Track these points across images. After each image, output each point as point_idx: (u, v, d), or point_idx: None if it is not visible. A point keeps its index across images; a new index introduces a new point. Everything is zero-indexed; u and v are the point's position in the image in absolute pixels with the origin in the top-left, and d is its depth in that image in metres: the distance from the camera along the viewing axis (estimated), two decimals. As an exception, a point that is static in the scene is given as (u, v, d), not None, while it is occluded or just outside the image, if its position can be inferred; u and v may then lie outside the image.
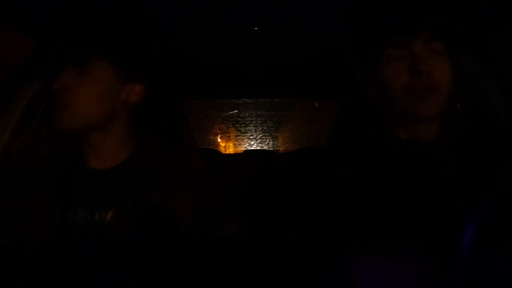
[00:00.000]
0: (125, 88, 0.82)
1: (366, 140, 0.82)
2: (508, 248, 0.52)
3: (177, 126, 1.10)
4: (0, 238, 0.74)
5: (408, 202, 0.70)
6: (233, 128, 2.68)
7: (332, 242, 0.72)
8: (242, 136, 2.68)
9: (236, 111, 2.67)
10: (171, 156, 0.90)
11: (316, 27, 1.22)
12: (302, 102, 2.72)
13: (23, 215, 0.75)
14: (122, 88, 0.82)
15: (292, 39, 1.32)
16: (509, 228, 0.53)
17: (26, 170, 0.82)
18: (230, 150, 2.68)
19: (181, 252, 0.76)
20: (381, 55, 0.74)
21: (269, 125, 2.69)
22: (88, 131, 0.80)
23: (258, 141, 2.69)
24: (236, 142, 2.69)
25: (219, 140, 2.70)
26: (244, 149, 2.66)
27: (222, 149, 2.66)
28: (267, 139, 2.69)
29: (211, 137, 2.68)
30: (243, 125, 2.68)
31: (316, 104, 2.67)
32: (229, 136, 2.69)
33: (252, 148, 2.67)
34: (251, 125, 2.69)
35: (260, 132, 2.69)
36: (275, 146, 2.70)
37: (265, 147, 2.68)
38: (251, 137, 2.69)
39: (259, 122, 2.69)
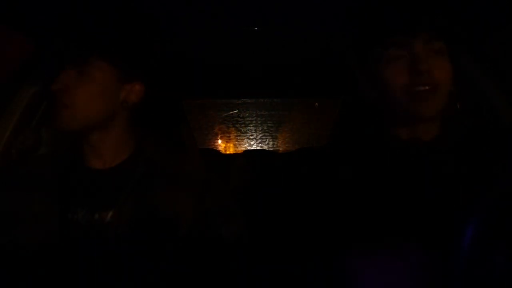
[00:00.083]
0: (125, 88, 0.82)
1: (366, 140, 0.82)
2: (508, 248, 0.52)
3: (177, 126, 1.10)
4: (0, 238, 0.74)
5: (408, 202, 0.70)
6: (233, 128, 2.68)
7: (332, 242, 0.72)
8: (242, 136, 2.69)
9: (236, 111, 2.67)
10: (171, 156, 0.90)
11: (316, 27, 1.22)
12: (302, 102, 2.72)
13: (23, 215, 0.75)
14: (122, 88, 0.82)
15: (292, 39, 1.32)
16: (509, 228, 0.53)
17: (26, 170, 0.82)
18: (230, 150, 2.68)
19: (181, 252, 0.76)
20: (381, 55, 0.74)
21: (269, 125, 2.70)
22: (88, 131, 0.80)
23: (258, 141, 2.69)
24: (236, 142, 2.69)
25: (219, 140, 2.70)
26: (244, 149, 2.66)
27: (222, 149, 2.66)
28: (267, 139, 2.69)
29: (211, 137, 2.68)
30: (243, 125, 2.68)
31: (316, 104, 2.67)
32: (229, 136, 2.69)
33: (252, 148, 2.67)
34: (251, 125, 2.69)
35: (260, 132, 2.69)
36: (275, 146, 2.71)
37: (265, 147, 2.69)
38: (251, 137, 2.69)
39: (259, 122, 2.69)
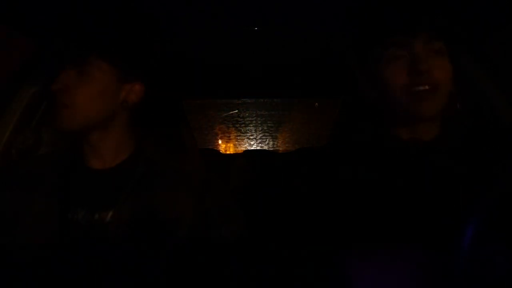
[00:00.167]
0: (125, 88, 0.82)
1: (366, 140, 0.82)
2: (508, 248, 0.52)
3: (177, 126, 1.10)
4: (0, 238, 0.74)
5: (408, 202, 0.70)
6: (233, 128, 2.68)
7: (332, 242, 0.72)
8: (242, 136, 2.69)
9: (236, 111, 2.67)
10: (171, 156, 0.90)
11: (316, 27, 1.22)
12: (302, 102, 2.72)
13: (23, 215, 0.75)
14: (122, 87, 0.82)
15: (292, 39, 1.32)
16: (509, 228, 0.53)
17: (26, 170, 0.82)
18: (230, 150, 2.68)
19: (181, 252, 0.76)
20: (381, 55, 0.74)
21: (269, 125, 2.70)
22: (88, 131, 0.80)
23: (258, 141, 2.69)
24: (236, 142, 2.69)
25: (219, 140, 2.70)
26: (244, 149, 2.66)
27: (222, 149, 2.66)
28: (267, 139, 2.69)
29: (211, 137, 2.68)
30: (243, 125, 2.68)
31: (316, 104, 2.67)
32: (229, 136, 2.69)
33: (252, 148, 2.67)
34: (251, 125, 2.69)
35: (260, 132, 2.69)
36: (275, 146, 2.71)
37: (265, 147, 2.69)
38: (251, 137, 2.69)
39: (259, 122, 2.69)
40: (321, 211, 0.75)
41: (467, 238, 0.53)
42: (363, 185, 0.74)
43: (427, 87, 0.70)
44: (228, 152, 2.63)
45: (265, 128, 2.69)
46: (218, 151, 2.27)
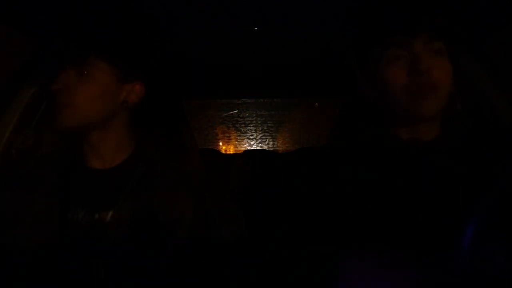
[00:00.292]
0: (125, 88, 0.82)
1: (366, 140, 0.82)
2: (508, 248, 0.52)
3: (177, 126, 1.10)
4: (0, 238, 0.74)
5: (408, 202, 0.70)
6: (233, 128, 2.68)
7: (332, 242, 0.72)
8: (242, 136, 2.68)
9: (236, 111, 2.67)
10: (171, 156, 0.90)
11: (316, 27, 1.22)
12: (302, 102, 2.72)
13: (23, 215, 0.75)
14: (122, 87, 0.82)
15: (292, 39, 1.32)
16: (509, 228, 0.53)
17: (26, 170, 0.82)
18: (230, 150, 2.68)
19: (181, 252, 0.76)
20: (381, 55, 0.74)
21: (269, 125, 2.69)
22: (88, 130, 0.80)
23: (258, 141, 2.69)
24: (236, 142, 2.69)
25: (219, 140, 2.70)
26: (244, 149, 2.66)
27: (222, 149, 2.66)
28: (267, 139, 2.69)
29: (211, 137, 2.68)
30: (243, 125, 2.68)
31: (316, 104, 2.67)
32: (229, 136, 2.69)
33: (252, 148, 2.67)
34: (251, 125, 2.69)
35: (260, 132, 2.69)
36: (275, 146, 2.70)
37: (265, 147, 2.68)
38: (251, 137, 2.69)
39: (259, 122, 2.69)
40: (321, 211, 0.75)
41: (467, 238, 0.53)
42: (363, 185, 0.74)
43: (427, 87, 0.70)
44: (228, 152, 2.63)
45: (265, 128, 2.69)
46: (218, 151, 2.26)
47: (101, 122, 0.80)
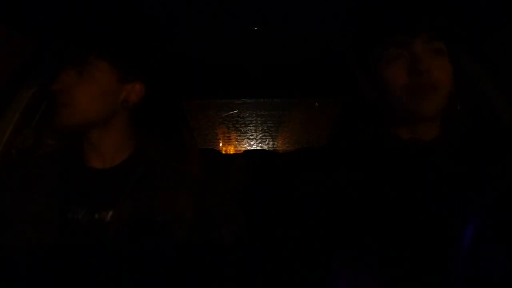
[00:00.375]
0: (125, 88, 0.82)
1: (366, 140, 0.82)
2: (508, 248, 0.52)
3: (177, 126, 1.10)
4: (0, 238, 0.74)
5: (408, 202, 0.70)
6: (233, 128, 2.68)
7: (332, 243, 0.72)
8: (242, 136, 2.68)
9: (236, 111, 2.67)
10: (171, 156, 0.90)
11: (316, 27, 1.22)
12: (302, 102, 2.72)
13: (23, 215, 0.75)
14: (122, 87, 0.82)
15: (292, 39, 1.32)
16: (509, 228, 0.53)
17: (26, 170, 0.82)
18: (230, 150, 2.68)
19: (181, 252, 0.76)
20: (381, 55, 0.74)
21: (269, 125, 2.69)
22: (88, 130, 0.80)
23: (258, 141, 2.69)
24: (236, 142, 2.69)
25: (219, 140, 2.70)
26: (244, 149, 2.66)
27: (222, 149, 2.66)
28: (267, 139, 2.69)
29: (211, 137, 2.68)
30: (243, 125, 2.68)
31: (316, 104, 2.67)
32: (229, 136, 2.69)
33: (252, 148, 2.67)
34: (251, 125, 2.68)
35: (260, 132, 2.69)
36: (275, 146, 2.70)
37: (265, 147, 2.68)
38: (251, 137, 2.69)
39: (259, 122, 2.69)
40: (321, 211, 0.75)
41: (467, 238, 0.53)
42: (363, 185, 0.74)
43: (427, 87, 0.70)
44: (228, 152, 2.63)
45: (265, 128, 2.69)
46: (218, 151, 2.26)
47: (101, 122, 0.80)
